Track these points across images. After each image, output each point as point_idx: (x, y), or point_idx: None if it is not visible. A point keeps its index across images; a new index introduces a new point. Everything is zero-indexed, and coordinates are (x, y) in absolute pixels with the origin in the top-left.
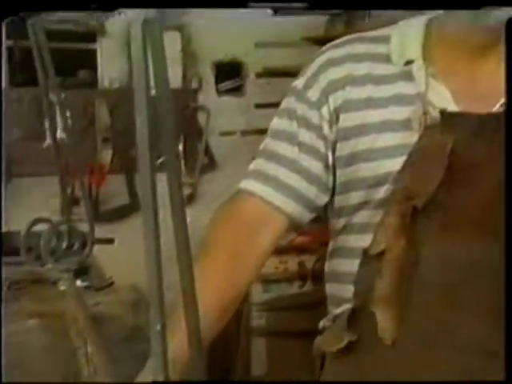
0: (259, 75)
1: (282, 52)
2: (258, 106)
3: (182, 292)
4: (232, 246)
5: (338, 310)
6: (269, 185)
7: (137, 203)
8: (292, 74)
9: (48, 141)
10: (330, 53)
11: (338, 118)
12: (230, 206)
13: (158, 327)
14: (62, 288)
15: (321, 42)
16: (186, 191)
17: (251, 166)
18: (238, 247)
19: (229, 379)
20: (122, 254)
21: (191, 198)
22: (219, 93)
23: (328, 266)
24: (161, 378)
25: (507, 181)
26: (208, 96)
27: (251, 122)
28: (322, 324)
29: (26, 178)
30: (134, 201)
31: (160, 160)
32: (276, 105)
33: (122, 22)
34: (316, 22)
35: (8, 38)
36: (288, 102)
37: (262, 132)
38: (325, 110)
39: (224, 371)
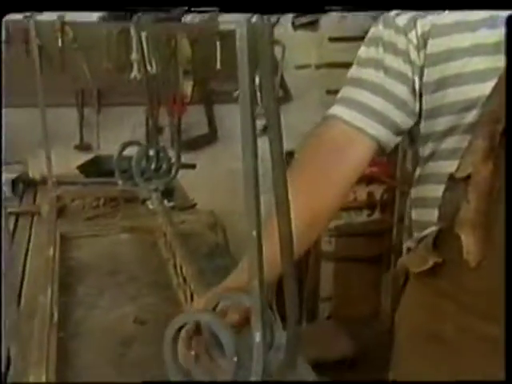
0: (334, 10)
1: None
2: (332, 39)
3: (276, 201)
4: (320, 163)
5: (424, 233)
6: (355, 109)
7: (215, 133)
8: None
9: (134, 72)
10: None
11: (425, 44)
12: (319, 130)
13: (254, 233)
14: (151, 207)
15: None
16: (263, 122)
17: (339, 94)
18: (326, 164)
19: (298, 301)
20: (201, 179)
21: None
22: (295, 27)
23: (414, 193)
24: (256, 280)
25: (507, 180)
26: (283, 30)
27: (325, 55)
28: (406, 245)
29: (115, 108)
30: (212, 131)
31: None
32: (349, 39)
33: None
34: None
35: None
36: (375, 30)
37: (335, 65)
38: (412, 35)
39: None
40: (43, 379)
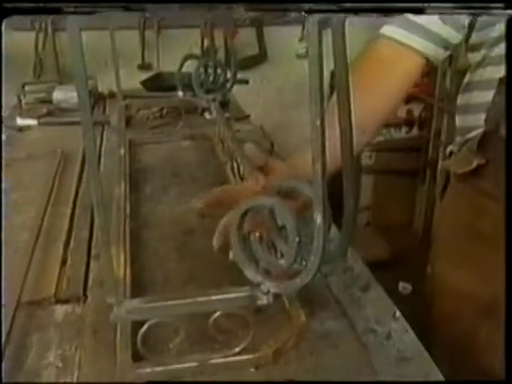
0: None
1: None
2: None
3: (337, 94)
4: (371, 77)
5: (468, 136)
6: (403, 27)
7: (265, 54)
8: None
9: None
10: None
11: None
12: (369, 48)
13: (318, 122)
14: (208, 117)
15: None
16: None
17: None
18: (376, 78)
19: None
20: (251, 97)
21: None
22: None
23: (462, 99)
24: (318, 164)
25: (507, 179)
26: None
27: None
28: (449, 149)
29: (173, 30)
30: (262, 52)
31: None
32: None
33: None
34: None
35: None
36: None
37: None
38: None
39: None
40: (121, 258)
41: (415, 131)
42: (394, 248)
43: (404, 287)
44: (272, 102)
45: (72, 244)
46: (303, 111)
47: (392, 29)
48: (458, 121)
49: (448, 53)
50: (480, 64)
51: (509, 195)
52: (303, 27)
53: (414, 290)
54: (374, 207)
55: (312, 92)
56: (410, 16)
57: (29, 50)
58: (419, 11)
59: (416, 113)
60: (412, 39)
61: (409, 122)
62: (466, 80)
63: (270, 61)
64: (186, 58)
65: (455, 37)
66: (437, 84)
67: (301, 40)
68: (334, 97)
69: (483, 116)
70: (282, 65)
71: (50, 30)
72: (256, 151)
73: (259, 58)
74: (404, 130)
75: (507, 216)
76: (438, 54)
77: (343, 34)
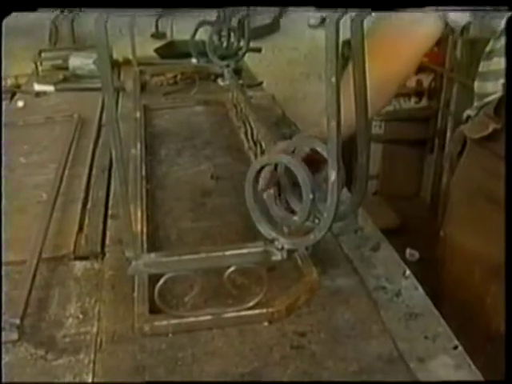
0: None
1: None
2: None
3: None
4: (390, 38)
5: (485, 100)
6: None
7: (277, 23)
8: None
9: None
10: None
11: None
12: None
13: (333, 79)
14: (222, 84)
15: None
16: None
17: None
18: (395, 39)
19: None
20: (263, 66)
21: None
22: None
23: (483, 66)
24: (333, 121)
25: (507, 179)
26: None
27: None
28: (466, 113)
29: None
30: (274, 21)
31: None
32: None
33: None
34: None
35: None
36: None
37: None
38: None
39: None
40: (138, 215)
41: (424, 101)
42: (401, 216)
43: (411, 254)
44: (283, 72)
45: (89, 204)
46: (314, 81)
47: None
48: (477, 87)
49: (468, 18)
50: (503, 32)
51: (509, 195)
52: None
53: (421, 257)
54: (383, 176)
55: (328, 51)
56: None
57: (45, 18)
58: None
59: (425, 83)
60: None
61: (418, 92)
62: (488, 48)
63: (282, 31)
64: (200, 24)
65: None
66: (447, 54)
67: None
68: (350, 67)
69: (501, 81)
70: (294, 35)
71: None
72: None
73: (272, 28)
74: (413, 100)
75: (507, 215)
76: (457, 18)
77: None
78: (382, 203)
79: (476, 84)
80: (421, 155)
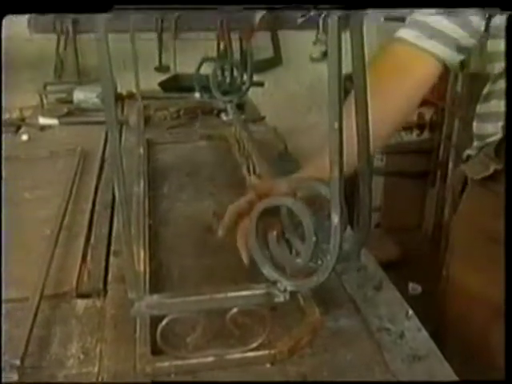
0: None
1: None
2: None
3: (355, 97)
4: (386, 79)
5: (486, 141)
6: (418, 30)
7: (279, 57)
8: None
9: None
10: None
11: None
12: (385, 50)
13: (336, 125)
14: (225, 118)
15: None
16: (323, 48)
17: (408, 18)
18: (391, 80)
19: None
20: (266, 99)
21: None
22: None
23: (481, 108)
24: (336, 167)
25: (507, 180)
26: None
27: None
28: (466, 153)
29: (189, 33)
30: (277, 55)
31: (301, 19)
32: None
33: None
34: None
35: None
36: None
37: None
38: None
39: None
40: (141, 254)
41: (426, 134)
42: (403, 249)
43: (414, 288)
44: (285, 105)
45: (92, 240)
46: (316, 114)
47: (408, 32)
48: (476, 128)
49: (462, 57)
50: (501, 75)
51: (509, 197)
52: (317, 31)
53: (424, 291)
54: (385, 208)
55: (330, 94)
56: (426, 20)
57: (50, 52)
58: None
59: (427, 116)
60: (428, 42)
61: (420, 125)
62: (485, 90)
63: (284, 64)
64: (204, 60)
65: (470, 42)
66: (448, 88)
67: (315, 44)
68: (350, 98)
69: (501, 124)
70: (296, 68)
71: (71, 32)
72: None
73: (274, 61)
74: (415, 133)
75: (507, 218)
76: (453, 57)
77: (361, 33)
78: (383, 236)
79: (475, 125)
80: (423, 187)
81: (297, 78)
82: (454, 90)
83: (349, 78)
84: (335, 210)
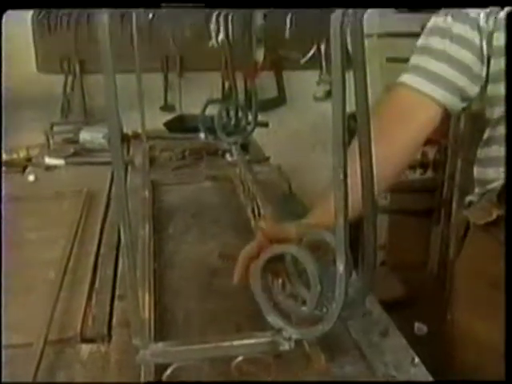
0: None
1: None
2: (395, 11)
3: (359, 144)
4: (389, 124)
5: (488, 187)
6: (421, 76)
7: (283, 97)
8: None
9: (213, 41)
10: None
11: (497, 11)
12: (388, 96)
13: (341, 175)
14: (229, 159)
15: None
16: (326, 87)
17: (409, 62)
18: (394, 125)
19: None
20: (270, 138)
21: (330, 93)
22: None
23: (481, 153)
24: (341, 217)
25: (507, 181)
26: None
27: (386, 25)
28: (468, 199)
29: (195, 73)
30: (281, 95)
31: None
32: (410, 10)
33: None
34: None
35: None
36: None
37: (396, 35)
38: None
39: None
40: (146, 299)
41: (430, 173)
42: (408, 288)
43: (419, 328)
44: (290, 143)
45: (97, 283)
46: (320, 152)
47: (410, 77)
48: (477, 173)
49: (465, 104)
50: (500, 120)
51: (509, 198)
52: (321, 71)
53: (430, 331)
54: (389, 246)
55: (334, 148)
56: (428, 65)
57: (57, 92)
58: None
59: (430, 155)
60: (430, 88)
61: (423, 164)
62: (485, 136)
63: (288, 103)
64: (209, 102)
65: (472, 87)
66: (451, 127)
67: (318, 84)
68: (354, 143)
69: (502, 169)
70: (300, 107)
71: (78, 73)
72: None
73: (278, 101)
74: (419, 171)
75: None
76: (455, 103)
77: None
78: (388, 274)
79: (476, 169)
80: (427, 225)
81: (300, 116)
82: (457, 129)
83: (353, 116)
84: (340, 258)
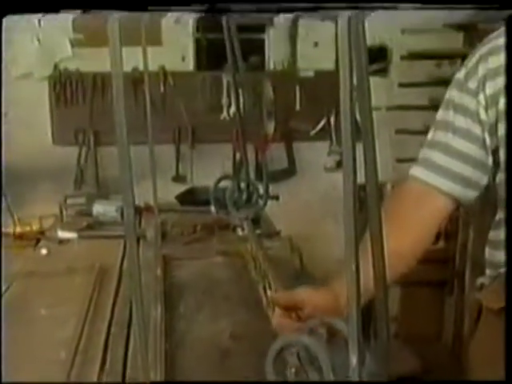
0: (403, 58)
1: (425, 37)
2: (401, 85)
3: (370, 237)
4: (402, 216)
5: (500, 271)
6: (429, 169)
7: (294, 168)
8: (433, 57)
9: (224, 114)
10: (490, 44)
11: (497, 102)
12: (401, 187)
13: (353, 267)
14: (241, 233)
15: (461, 27)
16: (336, 158)
17: (419, 154)
18: (406, 216)
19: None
20: (281, 209)
21: (340, 164)
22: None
23: (493, 235)
24: (354, 309)
25: (507, 181)
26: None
27: (394, 99)
28: (480, 281)
29: (206, 144)
30: (291, 166)
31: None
32: (417, 84)
33: (287, 16)
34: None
35: (197, 30)
36: (449, 94)
37: (404, 108)
38: (481, 97)
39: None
40: (158, 379)
41: (441, 243)
42: (423, 361)
43: None
44: (300, 213)
45: (108, 364)
46: (331, 222)
47: (420, 170)
48: (489, 255)
49: (476, 194)
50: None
51: (509, 198)
52: (331, 142)
53: None
54: (401, 318)
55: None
56: (435, 159)
57: (71, 163)
58: None
59: (442, 225)
60: (438, 181)
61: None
62: (496, 217)
63: (298, 174)
64: (221, 178)
65: (479, 177)
66: None
67: (329, 154)
68: (367, 234)
69: None
70: (310, 178)
71: (92, 145)
72: None
73: (288, 172)
74: None
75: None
76: (464, 194)
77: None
78: (402, 347)
79: (487, 251)
80: (440, 297)
81: (311, 187)
82: None
83: (363, 187)
84: (353, 350)
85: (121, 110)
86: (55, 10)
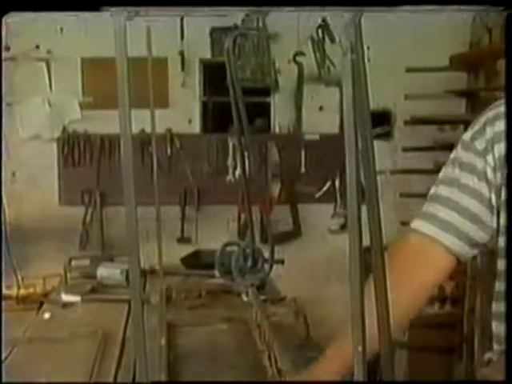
0: (406, 123)
1: (428, 103)
2: (405, 149)
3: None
4: (402, 268)
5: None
6: (431, 223)
7: (298, 230)
8: (435, 122)
9: (230, 176)
10: (497, 109)
11: (503, 166)
12: (403, 240)
13: (360, 348)
14: (245, 299)
15: (463, 94)
16: (341, 220)
17: (422, 208)
18: (406, 268)
19: None
20: (285, 270)
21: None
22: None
23: (496, 307)
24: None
25: (508, 182)
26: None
27: (398, 162)
28: (487, 356)
29: (211, 206)
30: (296, 228)
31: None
32: (420, 149)
33: (290, 79)
34: (458, 76)
35: (204, 94)
36: (456, 152)
37: (407, 172)
38: (490, 158)
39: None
40: None
41: (448, 307)
42: None
43: None
44: (305, 275)
45: None
46: (335, 284)
47: (422, 224)
48: (495, 328)
49: (475, 251)
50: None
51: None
52: (335, 204)
53: None
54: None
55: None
56: (438, 213)
57: (77, 223)
58: None
59: (448, 289)
60: (440, 235)
61: (441, 299)
62: (496, 288)
63: (303, 236)
64: (227, 244)
65: (481, 235)
66: (468, 264)
67: (333, 217)
68: (370, 284)
69: None
70: (315, 239)
71: (98, 205)
72: None
73: (293, 234)
74: (437, 305)
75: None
76: (464, 250)
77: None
78: None
79: (493, 323)
80: (449, 362)
81: (315, 249)
82: (474, 266)
83: (368, 250)
84: None
85: (129, 170)
86: (55, 9)
